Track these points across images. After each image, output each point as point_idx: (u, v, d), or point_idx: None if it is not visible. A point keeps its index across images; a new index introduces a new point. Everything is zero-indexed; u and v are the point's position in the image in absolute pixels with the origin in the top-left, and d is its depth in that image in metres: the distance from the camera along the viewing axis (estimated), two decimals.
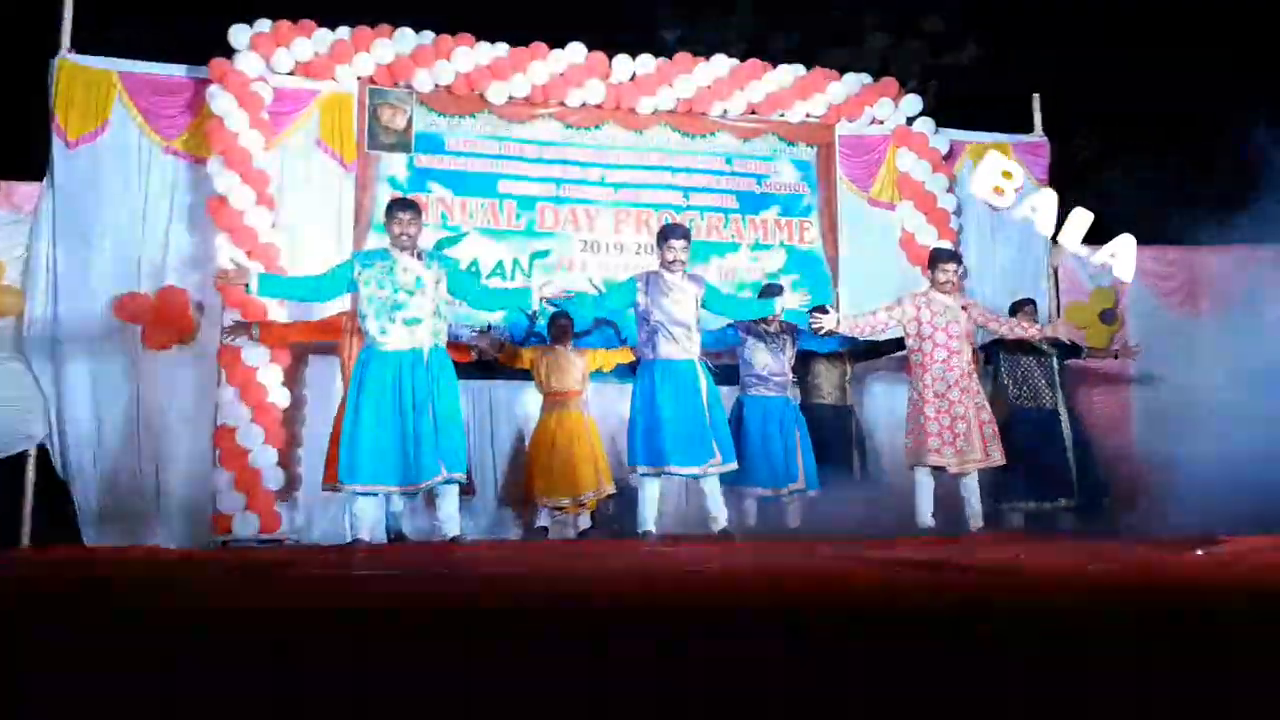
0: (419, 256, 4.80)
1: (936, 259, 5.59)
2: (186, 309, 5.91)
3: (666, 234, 5.26)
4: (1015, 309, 6.37)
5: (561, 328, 6.10)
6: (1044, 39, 6.55)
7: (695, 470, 5.04)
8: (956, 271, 5.54)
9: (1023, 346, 6.15)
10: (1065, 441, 6.20)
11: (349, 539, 4.81)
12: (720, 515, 5.10)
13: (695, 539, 5.20)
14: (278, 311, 5.91)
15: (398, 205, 4.84)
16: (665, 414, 5.00)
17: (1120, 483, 6.51)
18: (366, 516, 4.63)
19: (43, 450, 5.77)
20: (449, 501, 4.74)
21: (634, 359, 5.95)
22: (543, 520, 6.04)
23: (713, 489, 5.12)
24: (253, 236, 5.89)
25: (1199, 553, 3.05)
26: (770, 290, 6.00)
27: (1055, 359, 6.32)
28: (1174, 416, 6.69)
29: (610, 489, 5.97)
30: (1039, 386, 6.27)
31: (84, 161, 5.91)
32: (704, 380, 5.12)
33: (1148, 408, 6.70)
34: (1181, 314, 6.69)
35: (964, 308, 5.53)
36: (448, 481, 4.65)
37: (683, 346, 5.12)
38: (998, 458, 5.43)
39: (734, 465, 5.13)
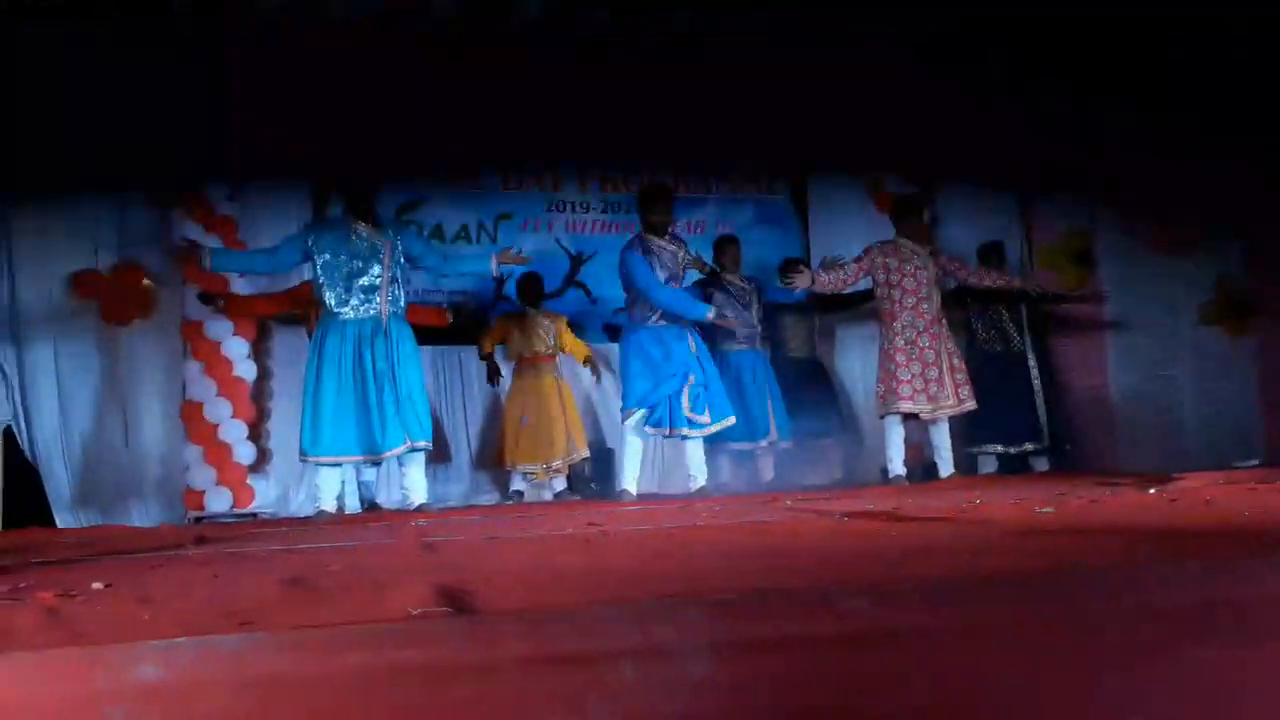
0: (376, 224, 4.74)
1: (901, 207, 5.55)
2: (141, 282, 5.85)
3: (651, 196, 5.16)
4: (983, 254, 6.34)
5: (531, 291, 6.06)
6: None
7: (699, 432, 5.03)
8: (923, 218, 5.50)
9: (994, 294, 6.12)
10: (1033, 385, 6.19)
11: (314, 510, 4.80)
12: (699, 474, 5.10)
13: (667, 499, 5.20)
14: (240, 284, 5.85)
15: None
16: (662, 372, 4.98)
17: (1093, 424, 6.52)
18: (329, 487, 4.62)
19: (10, 435, 5.73)
20: (415, 470, 4.73)
21: (590, 358, 5.96)
22: (517, 485, 6.04)
23: (694, 448, 5.10)
24: (209, 208, 5.80)
25: (1151, 491, 3.04)
26: (724, 241, 6.01)
27: (1023, 303, 6.30)
28: (1148, 357, 6.70)
29: (584, 453, 5.97)
30: (1007, 330, 6.25)
31: None
32: (694, 343, 5.08)
33: (1122, 348, 6.68)
34: (1152, 254, 6.64)
35: (932, 254, 5.50)
36: (412, 450, 4.64)
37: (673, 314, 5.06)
38: (970, 403, 5.43)
39: (731, 421, 5.10)
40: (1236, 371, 6.46)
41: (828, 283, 5.44)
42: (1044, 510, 2.65)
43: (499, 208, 6.56)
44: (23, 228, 5.76)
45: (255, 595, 1.73)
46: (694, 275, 5.49)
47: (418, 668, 1.02)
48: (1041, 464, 6.15)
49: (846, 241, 6.77)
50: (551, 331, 6.03)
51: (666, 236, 5.09)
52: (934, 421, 5.41)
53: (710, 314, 5.02)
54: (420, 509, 4.65)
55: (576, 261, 6.65)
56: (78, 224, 5.85)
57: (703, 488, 5.08)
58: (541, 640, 1.11)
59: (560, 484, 6.05)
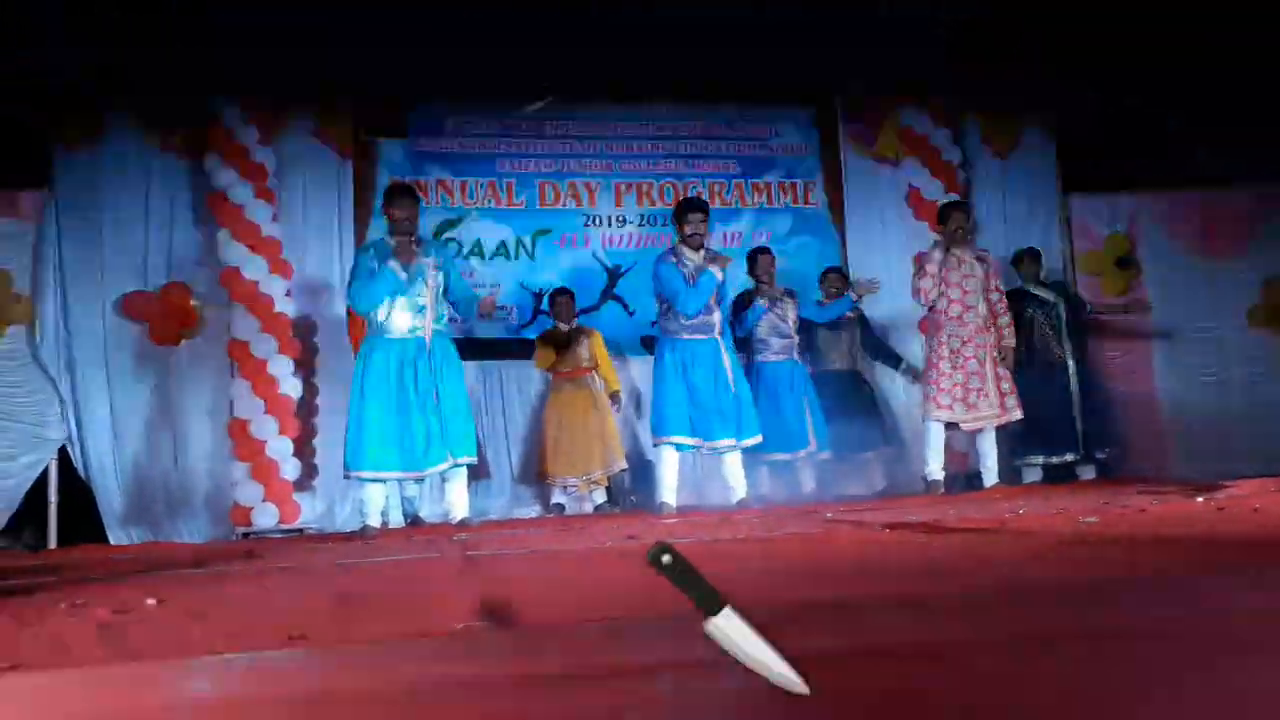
0: (418, 244, 4.78)
1: (946, 212, 5.49)
2: (188, 303, 5.98)
3: (684, 208, 5.16)
4: (1018, 260, 6.27)
5: (564, 306, 6.10)
6: None
7: (724, 443, 5.03)
8: (967, 222, 5.44)
9: (1027, 299, 6.06)
10: (1072, 394, 6.08)
11: (359, 526, 4.86)
12: (739, 486, 5.09)
13: (707, 510, 5.20)
14: (285, 304, 5.95)
15: (395, 193, 4.83)
16: (691, 390, 4.99)
17: (1141, 432, 6.42)
18: (373, 503, 4.68)
19: (64, 454, 5.87)
20: (457, 485, 4.78)
21: (617, 394, 5.98)
22: (557, 497, 6.07)
23: (733, 461, 5.10)
24: (255, 230, 5.92)
25: (1198, 500, 3.00)
26: (757, 253, 6.01)
27: (1061, 310, 6.19)
28: (1196, 362, 6.59)
29: (623, 464, 5.99)
30: (1047, 338, 6.15)
31: (84, 166, 5.97)
32: (727, 358, 5.08)
33: (1169, 354, 6.57)
34: (1197, 258, 6.54)
35: (979, 259, 5.40)
36: (455, 466, 4.69)
37: (704, 325, 5.05)
38: (1016, 413, 5.34)
39: (757, 439, 5.10)
40: None
41: (929, 291, 5.35)
42: (1087, 520, 2.62)
43: (536, 224, 6.62)
44: (73, 251, 5.91)
45: (304, 610, 1.77)
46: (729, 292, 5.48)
47: (462, 682, 1.04)
48: (1088, 472, 6.06)
49: (884, 250, 6.78)
50: (587, 346, 6.07)
51: (701, 251, 5.08)
52: (979, 430, 5.35)
53: (719, 274, 4.95)
54: (462, 523, 4.69)
55: (613, 275, 6.69)
56: (126, 246, 6.00)
57: (743, 500, 5.07)
58: (582, 654, 1.13)
59: (600, 496, 6.07)
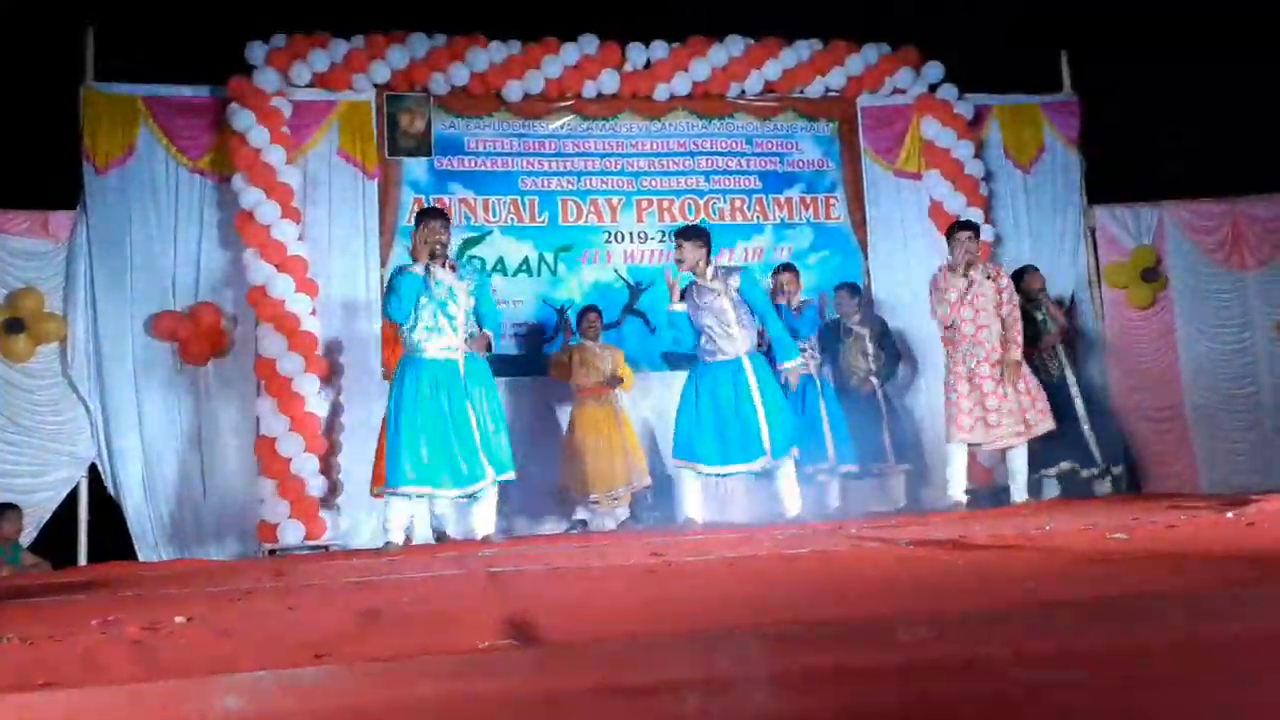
0: (451, 266, 4.82)
1: (952, 233, 5.46)
2: (219, 324, 6.05)
3: (677, 237, 5.19)
4: (1017, 277, 6.21)
5: (589, 323, 6.12)
6: None
7: (739, 468, 5.02)
8: (974, 240, 5.39)
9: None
10: (1077, 410, 5.97)
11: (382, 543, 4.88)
12: (790, 503, 5.02)
13: (731, 527, 5.17)
14: (310, 322, 6.01)
15: (429, 214, 4.92)
16: (709, 415, 4.99)
17: (1168, 445, 6.35)
18: (397, 519, 4.70)
19: (94, 471, 5.94)
20: (486, 503, 4.80)
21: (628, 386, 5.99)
22: (581, 513, 6.07)
23: (783, 477, 5.04)
24: (281, 249, 5.99)
25: (1228, 515, 2.96)
26: (781, 269, 6.01)
27: (1052, 325, 6.10)
28: (1224, 374, 6.52)
29: (646, 480, 5.99)
30: (1045, 361, 6.03)
31: (114, 187, 6.07)
32: (753, 376, 5.03)
33: (1196, 366, 6.50)
34: (1226, 268, 6.48)
35: (990, 277, 5.35)
36: (494, 483, 4.72)
37: (727, 345, 5.04)
38: (1045, 424, 5.27)
39: (782, 458, 5.03)
40: None
41: (945, 318, 5.33)
42: (1116, 536, 2.59)
43: (558, 240, 6.65)
44: (104, 270, 5.99)
45: (331, 627, 1.78)
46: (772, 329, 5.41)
47: (487, 699, 1.05)
48: (1104, 488, 5.96)
49: (906, 265, 6.76)
50: (610, 362, 6.08)
51: (706, 276, 5.07)
52: (1010, 447, 5.29)
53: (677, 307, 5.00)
54: (486, 540, 4.71)
55: (635, 291, 6.71)
56: (155, 266, 6.08)
57: (797, 517, 4.97)
58: (606, 671, 1.13)
59: (624, 512, 6.06)
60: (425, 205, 6.18)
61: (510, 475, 4.75)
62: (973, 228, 5.54)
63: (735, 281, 5.08)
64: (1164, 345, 6.64)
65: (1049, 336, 6.04)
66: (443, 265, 4.75)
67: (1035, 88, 7.17)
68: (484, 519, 4.81)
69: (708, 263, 5.10)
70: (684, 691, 1.03)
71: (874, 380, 6.23)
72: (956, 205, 6.62)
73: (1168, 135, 6.55)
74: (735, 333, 5.04)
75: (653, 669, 1.15)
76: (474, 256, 6.45)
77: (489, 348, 4.83)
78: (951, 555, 2.50)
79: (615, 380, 6.02)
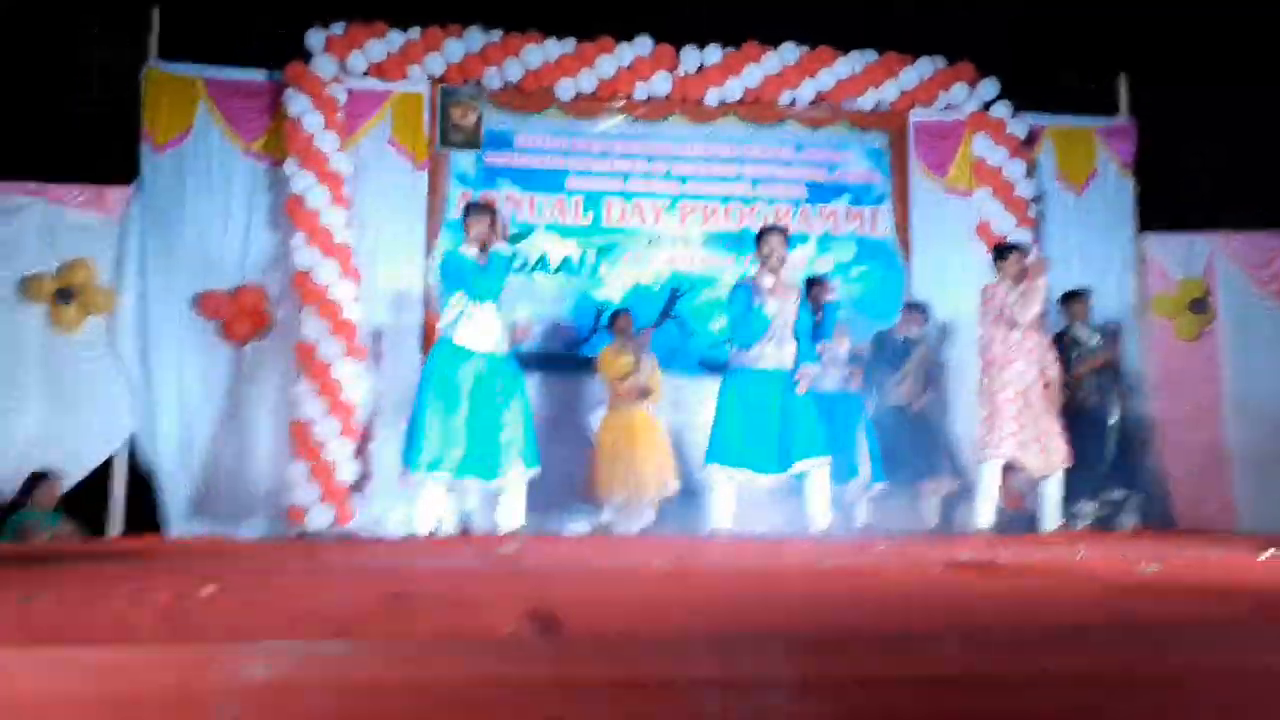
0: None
1: (1003, 253, 5.41)
2: (262, 305, 6.13)
3: (763, 233, 5.12)
4: (1067, 300, 6.12)
5: (622, 327, 6.11)
6: (1130, 12, 6.28)
7: (773, 477, 5.00)
8: (1019, 262, 5.33)
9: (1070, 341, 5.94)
10: (1110, 440, 5.87)
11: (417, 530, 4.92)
12: (819, 516, 4.97)
13: (757, 537, 5.15)
14: (353, 309, 6.07)
15: (476, 209, 4.98)
16: (744, 421, 4.97)
17: (1207, 480, 6.23)
18: (428, 509, 4.74)
19: (132, 445, 6.04)
20: (513, 498, 4.83)
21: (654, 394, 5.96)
22: (606, 516, 6.07)
23: (814, 489, 4.98)
24: (328, 235, 6.06)
25: (1269, 553, 2.90)
26: (810, 282, 5.96)
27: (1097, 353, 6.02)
28: (1271, 408, 6.38)
29: (675, 486, 5.97)
30: (1086, 388, 5.93)
31: (169, 165, 6.18)
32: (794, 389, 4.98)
33: (1240, 399, 6.36)
34: (1277, 301, 6.34)
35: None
36: (521, 477, 4.75)
37: (777, 352, 5.01)
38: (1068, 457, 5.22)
39: (806, 465, 4.98)
40: None
41: (997, 337, 5.27)
42: (1149, 568, 2.55)
43: (601, 240, 6.67)
44: (155, 247, 6.10)
45: (356, 606, 1.80)
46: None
47: (506, 684, 1.06)
48: (1130, 519, 5.85)
49: (950, 283, 6.68)
50: (644, 366, 6.06)
51: (773, 279, 5.03)
52: (1046, 475, 5.22)
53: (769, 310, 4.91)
54: (512, 535, 4.73)
55: (674, 295, 6.69)
56: (205, 245, 6.18)
57: (825, 531, 4.93)
58: (625, 665, 1.13)
59: (649, 517, 6.05)
60: (472, 200, 6.23)
61: (534, 472, 4.78)
62: (1024, 249, 5.50)
63: (799, 292, 5.07)
64: (1208, 380, 6.51)
65: (1087, 362, 5.96)
66: (485, 253, 4.82)
67: (1089, 109, 7.08)
68: (511, 514, 4.84)
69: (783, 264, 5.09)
70: (703, 690, 1.03)
71: (926, 398, 6.19)
72: (1006, 225, 6.54)
73: (1223, 165, 6.44)
74: (788, 342, 5.03)
75: (672, 666, 1.15)
76: (515, 252, 6.47)
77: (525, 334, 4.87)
78: (981, 578, 2.47)
79: (645, 391, 6.00)
